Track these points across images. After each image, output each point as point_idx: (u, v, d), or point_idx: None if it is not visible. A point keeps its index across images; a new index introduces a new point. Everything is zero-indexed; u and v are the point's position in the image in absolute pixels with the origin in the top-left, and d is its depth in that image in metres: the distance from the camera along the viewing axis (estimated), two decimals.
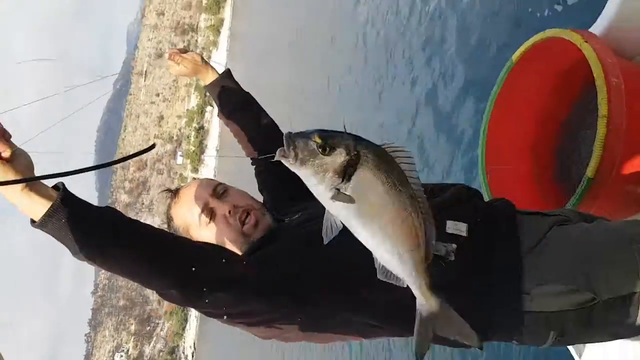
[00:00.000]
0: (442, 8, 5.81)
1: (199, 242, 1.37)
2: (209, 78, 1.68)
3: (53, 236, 1.03)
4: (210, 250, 1.26)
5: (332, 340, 1.38)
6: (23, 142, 1.05)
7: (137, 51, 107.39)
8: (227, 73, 1.70)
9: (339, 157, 0.89)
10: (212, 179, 1.53)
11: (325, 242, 1.21)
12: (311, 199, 1.63)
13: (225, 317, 1.21)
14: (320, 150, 0.89)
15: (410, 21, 6.72)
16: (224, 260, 1.21)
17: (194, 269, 1.14)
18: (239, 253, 1.36)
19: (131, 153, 1.14)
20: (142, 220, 1.17)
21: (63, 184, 1.05)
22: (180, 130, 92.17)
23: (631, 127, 1.77)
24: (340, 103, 9.77)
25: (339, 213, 0.96)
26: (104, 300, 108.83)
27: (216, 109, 1.76)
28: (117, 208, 1.18)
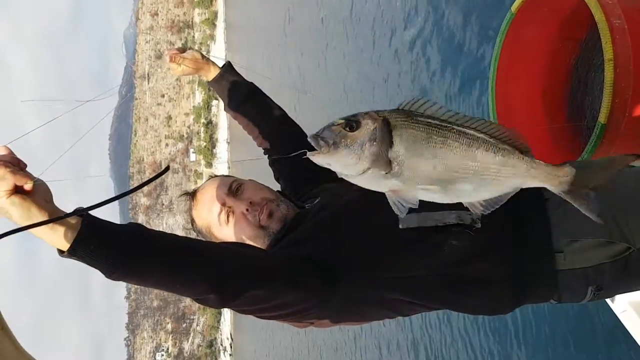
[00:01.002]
0: None
1: (226, 243, 1.38)
2: (212, 74, 1.67)
3: (84, 262, 1.00)
4: (240, 250, 1.25)
5: (367, 321, 1.37)
6: (39, 172, 1.01)
7: (137, 55, 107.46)
8: (229, 66, 1.69)
9: (369, 126, 0.87)
10: (226, 176, 1.53)
11: (403, 223, 1.19)
12: (329, 180, 1.63)
13: (260, 312, 1.21)
14: (347, 129, 0.87)
15: None
16: (254, 258, 1.21)
17: (228, 271, 1.13)
18: (263, 248, 1.36)
19: (147, 179, 1.10)
20: (165, 221, 1.16)
21: (83, 209, 1.01)
22: (189, 127, 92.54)
23: (639, 67, 1.73)
24: (340, 78, 9.71)
25: (393, 183, 0.91)
26: (138, 303, 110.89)
27: (222, 102, 1.75)
28: (138, 211, 1.17)
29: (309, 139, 0.87)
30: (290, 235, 1.33)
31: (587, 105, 2.16)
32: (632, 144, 1.84)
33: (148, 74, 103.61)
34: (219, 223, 1.42)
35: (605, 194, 1.21)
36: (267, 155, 1.73)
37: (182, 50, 1.64)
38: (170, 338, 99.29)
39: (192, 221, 1.49)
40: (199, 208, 1.46)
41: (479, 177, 0.92)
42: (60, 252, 0.98)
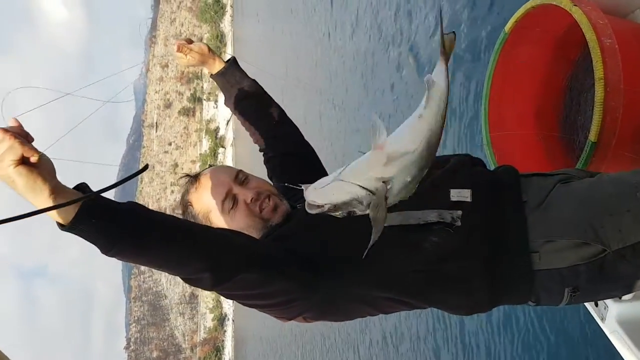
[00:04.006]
0: None
1: (220, 228, 1.40)
2: (216, 67, 1.69)
3: (82, 237, 1.02)
4: (235, 234, 1.28)
5: (349, 318, 1.38)
6: None
7: (146, 104, 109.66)
8: (233, 61, 1.72)
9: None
10: (232, 167, 1.55)
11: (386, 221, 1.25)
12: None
13: (247, 299, 1.24)
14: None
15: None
16: (248, 243, 1.24)
17: (225, 252, 1.16)
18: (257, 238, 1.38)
19: (127, 176, 1.09)
20: None
21: (86, 185, 1.05)
22: None
23: (630, 86, 1.77)
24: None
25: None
26: (138, 354, 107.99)
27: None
28: None
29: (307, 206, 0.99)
30: (279, 230, 1.36)
31: (579, 124, 2.20)
32: (622, 162, 1.86)
33: (156, 123, 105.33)
34: (221, 209, 1.43)
35: (582, 198, 1.25)
36: (262, 153, 1.75)
37: (190, 41, 1.66)
38: None
39: (188, 204, 1.49)
40: (201, 192, 1.46)
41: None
42: (61, 225, 1.00)
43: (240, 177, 1.46)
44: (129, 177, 1.05)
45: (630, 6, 2.02)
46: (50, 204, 0.97)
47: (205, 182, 1.46)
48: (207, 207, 1.45)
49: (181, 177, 1.53)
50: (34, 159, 0.97)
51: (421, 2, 6.38)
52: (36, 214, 0.96)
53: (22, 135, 0.98)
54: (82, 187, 1.03)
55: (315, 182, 1.00)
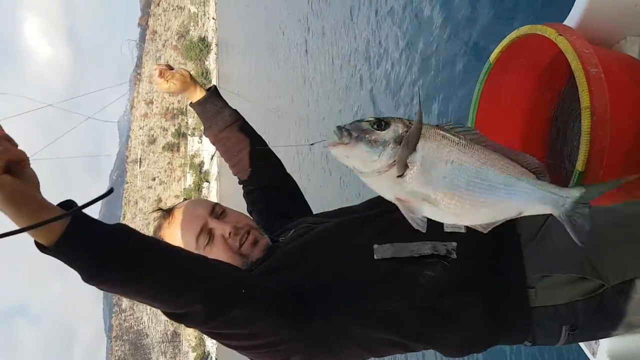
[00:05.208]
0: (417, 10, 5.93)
1: (218, 260, 1.32)
2: (197, 96, 1.64)
3: (66, 261, 0.90)
4: (228, 266, 1.20)
5: None
6: None
7: (130, 140, 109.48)
8: (214, 90, 1.67)
9: (398, 129, 0.86)
10: (208, 200, 1.48)
11: (378, 253, 1.17)
12: (304, 214, 1.59)
13: (231, 339, 1.14)
14: (375, 127, 0.86)
15: (382, 26, 6.92)
16: (241, 277, 1.16)
17: (220, 284, 1.07)
18: None
19: (92, 199, 0.97)
20: None
21: (73, 202, 0.93)
22: None
23: (616, 115, 1.76)
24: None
25: (401, 189, 0.89)
26: None
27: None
28: None
29: (335, 130, 0.85)
30: (262, 265, 1.28)
31: (565, 154, 2.18)
32: (610, 192, 1.84)
33: (140, 159, 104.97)
34: (195, 245, 1.34)
35: None
36: (242, 186, 1.68)
37: (171, 67, 1.61)
38: None
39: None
40: (175, 226, 1.38)
41: (486, 195, 0.92)
42: (41, 246, 0.87)
43: (217, 211, 1.39)
44: (94, 201, 0.94)
45: (615, 37, 2.04)
46: (33, 220, 0.84)
47: (179, 217, 1.39)
48: (180, 243, 1.37)
49: (154, 211, 1.45)
50: (24, 164, 0.87)
51: (393, 46, 6.49)
52: (20, 232, 0.84)
53: (6, 139, 0.87)
54: (68, 204, 0.92)
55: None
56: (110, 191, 0.98)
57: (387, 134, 0.86)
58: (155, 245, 1.03)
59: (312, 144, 1.42)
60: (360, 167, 0.88)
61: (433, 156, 0.87)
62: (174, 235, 1.38)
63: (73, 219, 0.89)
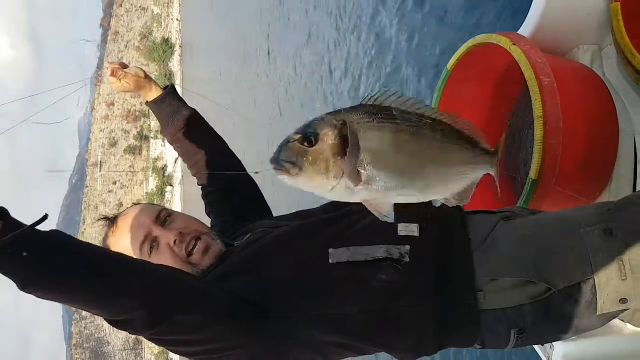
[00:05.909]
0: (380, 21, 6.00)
1: (163, 265, 1.28)
2: (153, 94, 1.60)
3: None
4: (175, 271, 1.17)
5: None
6: None
7: (90, 143, 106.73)
8: (172, 89, 1.63)
9: (329, 137, 0.82)
10: (154, 205, 1.43)
11: (333, 258, 1.18)
12: (264, 216, 1.57)
13: (176, 345, 1.10)
14: (306, 144, 0.82)
15: (345, 37, 6.97)
16: (190, 282, 1.13)
17: (164, 289, 1.05)
18: None
19: (26, 227, 0.94)
20: None
21: (5, 211, 0.90)
22: None
23: (569, 124, 1.79)
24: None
25: (372, 193, 0.88)
26: None
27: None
28: None
29: (270, 162, 0.83)
30: (216, 270, 1.25)
31: (521, 161, 2.22)
32: (564, 200, 1.87)
33: (101, 162, 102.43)
34: (139, 254, 1.30)
35: (524, 235, 1.23)
36: (200, 187, 1.65)
37: (125, 65, 1.56)
38: None
39: None
40: (119, 235, 1.34)
41: (450, 174, 0.99)
42: None
43: (162, 217, 1.35)
44: (28, 228, 0.92)
45: (569, 45, 2.08)
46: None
47: (123, 225, 1.35)
48: (126, 252, 1.32)
49: (99, 220, 1.41)
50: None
51: (361, 58, 6.52)
52: None
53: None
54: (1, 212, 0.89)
55: None
56: (45, 217, 0.96)
57: (322, 148, 0.82)
58: (90, 251, 1.00)
59: (257, 173, 1.40)
60: (317, 192, 0.87)
61: (382, 152, 0.86)
62: (119, 244, 1.34)
63: (5, 227, 0.88)
